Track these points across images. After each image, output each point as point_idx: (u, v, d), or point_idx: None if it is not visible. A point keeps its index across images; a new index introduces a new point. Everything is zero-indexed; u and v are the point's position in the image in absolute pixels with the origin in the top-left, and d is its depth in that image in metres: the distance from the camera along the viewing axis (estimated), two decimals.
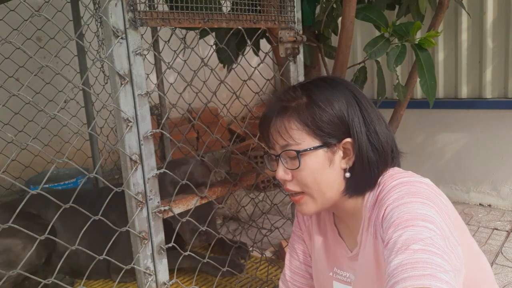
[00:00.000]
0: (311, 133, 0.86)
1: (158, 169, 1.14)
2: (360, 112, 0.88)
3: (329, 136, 0.86)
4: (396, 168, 0.91)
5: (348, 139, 0.87)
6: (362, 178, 0.88)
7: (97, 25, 2.43)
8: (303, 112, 0.87)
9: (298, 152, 0.87)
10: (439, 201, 0.79)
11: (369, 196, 0.89)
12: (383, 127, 0.90)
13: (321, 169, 0.88)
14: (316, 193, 0.89)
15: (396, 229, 0.74)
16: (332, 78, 0.94)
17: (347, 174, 0.88)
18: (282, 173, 0.90)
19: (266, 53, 1.55)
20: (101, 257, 1.08)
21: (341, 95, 0.88)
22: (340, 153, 0.88)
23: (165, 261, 1.17)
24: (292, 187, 0.91)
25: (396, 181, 0.84)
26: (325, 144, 0.87)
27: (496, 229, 2.44)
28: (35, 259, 1.73)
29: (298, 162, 0.87)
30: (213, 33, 1.68)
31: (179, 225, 1.29)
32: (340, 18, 1.91)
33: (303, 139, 0.87)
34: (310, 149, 0.86)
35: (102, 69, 2.47)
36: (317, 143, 0.87)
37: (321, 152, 0.87)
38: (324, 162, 0.88)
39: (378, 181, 0.88)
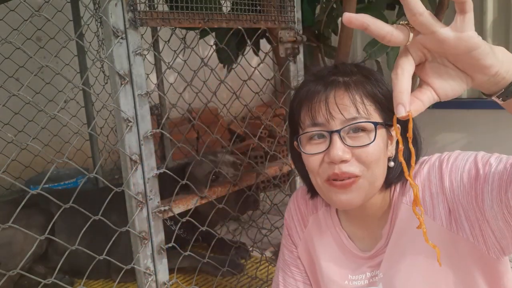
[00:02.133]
0: (378, 109, 0.80)
1: (159, 168, 1.14)
2: None
3: (389, 116, 0.80)
4: None
5: (398, 125, 0.83)
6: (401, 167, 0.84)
7: (97, 25, 2.43)
8: (368, 86, 0.81)
9: (376, 124, 0.77)
10: None
11: (396, 186, 0.86)
12: None
13: (383, 150, 0.80)
14: (371, 178, 0.79)
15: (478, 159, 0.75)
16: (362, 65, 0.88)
17: (391, 163, 0.82)
18: (342, 150, 0.77)
19: (266, 53, 1.55)
20: (101, 257, 1.08)
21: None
22: (394, 140, 0.83)
23: (165, 261, 1.17)
24: (351, 168, 0.77)
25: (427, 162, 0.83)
26: (387, 124, 0.80)
27: None
28: (36, 248, 1.72)
29: (373, 135, 0.77)
30: (213, 33, 1.68)
31: (178, 225, 1.29)
32: (340, 18, 1.91)
33: (371, 114, 0.79)
34: (381, 123, 0.78)
35: (102, 69, 2.47)
36: (381, 120, 0.80)
37: (384, 132, 0.80)
38: (384, 143, 0.81)
39: None
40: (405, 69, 0.56)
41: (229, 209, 1.43)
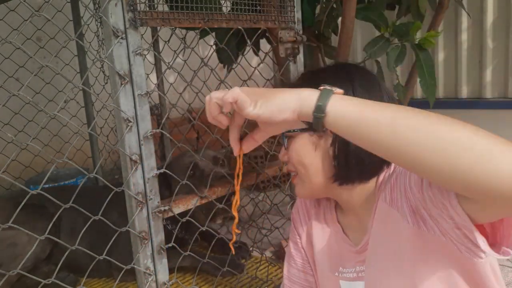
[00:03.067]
0: None
1: (158, 168, 1.14)
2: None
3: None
4: None
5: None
6: (350, 168, 0.87)
7: (97, 25, 2.43)
8: None
9: (283, 133, 0.91)
10: None
11: (382, 178, 0.88)
12: None
13: (305, 153, 0.91)
14: (303, 176, 0.93)
15: None
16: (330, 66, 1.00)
17: (334, 162, 0.89)
18: (282, 154, 0.96)
19: (266, 53, 1.55)
20: (101, 257, 1.08)
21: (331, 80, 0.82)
22: (329, 140, 0.88)
23: (165, 261, 1.17)
24: (290, 167, 0.96)
25: None
26: (311, 128, 0.80)
27: None
28: (40, 252, 1.72)
29: (294, 140, 0.92)
30: (213, 33, 1.68)
31: (179, 224, 1.29)
32: (340, 18, 1.91)
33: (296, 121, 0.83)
34: (294, 130, 0.90)
35: (102, 69, 2.47)
36: (304, 125, 0.82)
37: (306, 136, 0.90)
38: (308, 145, 0.90)
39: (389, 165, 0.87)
40: (233, 129, 0.78)
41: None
